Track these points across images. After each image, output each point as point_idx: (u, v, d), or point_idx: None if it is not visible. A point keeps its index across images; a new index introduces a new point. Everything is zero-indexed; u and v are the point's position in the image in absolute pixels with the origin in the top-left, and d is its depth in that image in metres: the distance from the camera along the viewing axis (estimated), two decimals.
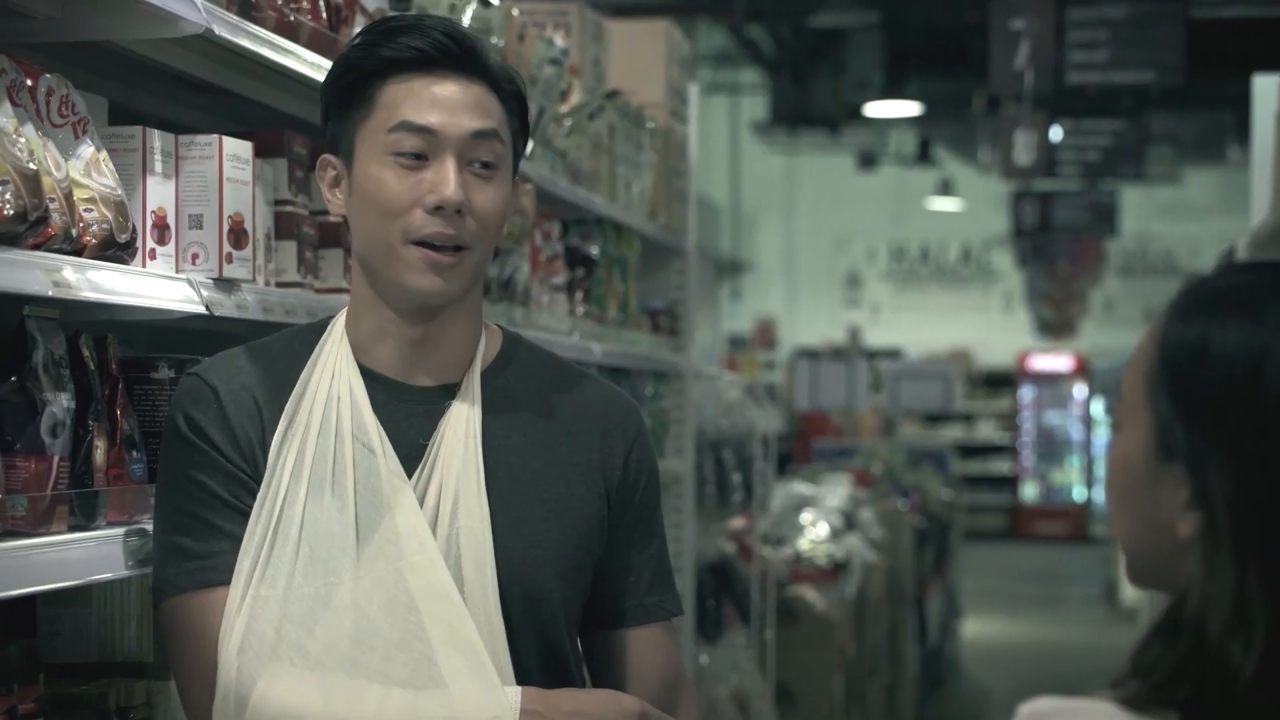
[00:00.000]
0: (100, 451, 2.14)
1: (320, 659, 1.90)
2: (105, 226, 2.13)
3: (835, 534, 7.42)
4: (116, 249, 2.15)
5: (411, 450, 1.98)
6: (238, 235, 2.39)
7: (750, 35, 12.93)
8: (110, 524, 2.12)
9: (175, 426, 2.02)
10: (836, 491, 8.26)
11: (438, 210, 1.94)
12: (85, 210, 2.11)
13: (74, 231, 2.05)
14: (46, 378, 2.03)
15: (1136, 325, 21.18)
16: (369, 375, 2.02)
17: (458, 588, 1.93)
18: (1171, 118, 13.33)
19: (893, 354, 18.46)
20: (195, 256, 2.36)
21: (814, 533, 7.31)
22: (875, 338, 20.15)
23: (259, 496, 1.97)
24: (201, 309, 2.28)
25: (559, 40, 3.82)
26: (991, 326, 21.77)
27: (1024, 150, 9.16)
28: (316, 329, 2.10)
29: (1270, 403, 1.28)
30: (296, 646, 1.91)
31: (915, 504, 9.84)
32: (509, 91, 2.03)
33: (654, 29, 4.93)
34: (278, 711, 1.89)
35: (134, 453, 2.22)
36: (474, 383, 2.03)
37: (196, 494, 1.98)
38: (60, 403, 2.04)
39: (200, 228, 2.35)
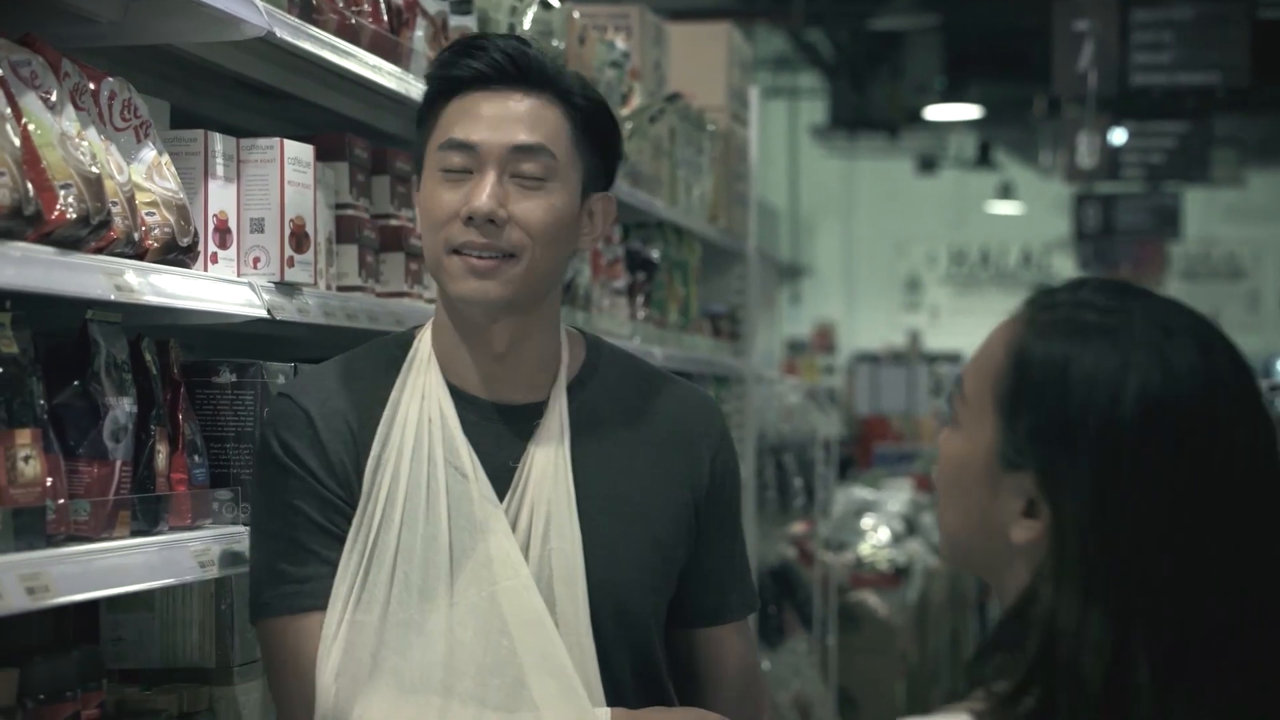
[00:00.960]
0: (162, 456, 2.14)
1: (415, 683, 1.93)
2: (167, 230, 2.12)
3: (896, 539, 7.37)
4: (178, 253, 2.15)
5: (501, 472, 2.00)
6: (299, 239, 2.38)
7: (809, 39, 12.88)
8: (173, 529, 2.12)
9: (269, 449, 2.03)
10: (897, 496, 8.21)
11: (470, 220, 1.97)
12: (147, 214, 2.10)
13: (136, 235, 2.05)
14: (109, 382, 2.02)
15: None
16: (457, 394, 2.03)
17: (550, 609, 1.96)
18: (1236, 119, 13.17)
19: (952, 358, 18.32)
20: (257, 260, 2.35)
21: (875, 538, 7.26)
22: (935, 341, 20.02)
23: (354, 522, 1.98)
24: (263, 313, 2.28)
25: (620, 43, 3.80)
26: None
27: (1087, 153, 9.06)
28: (402, 343, 2.09)
29: (1127, 430, 1.30)
30: (392, 671, 1.93)
31: None
32: (579, 105, 2.04)
33: (715, 32, 4.91)
34: None
35: (196, 457, 2.22)
36: (560, 400, 2.05)
37: (292, 519, 2.00)
38: (122, 407, 2.03)
39: (262, 231, 2.35)
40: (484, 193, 1.97)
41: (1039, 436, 1.33)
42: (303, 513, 1.99)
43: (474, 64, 2.01)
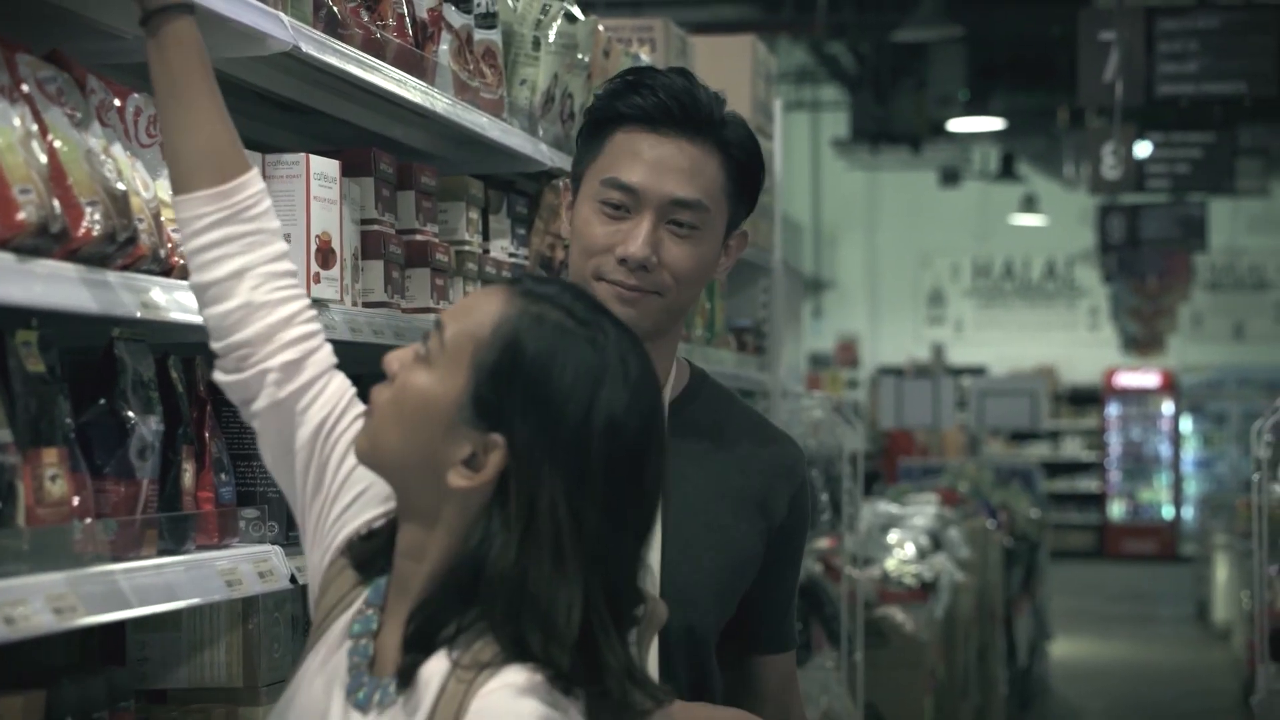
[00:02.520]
0: (189, 474, 2.13)
1: None
2: None
3: (923, 554, 7.33)
4: None
5: None
6: (325, 255, 2.36)
7: (831, 51, 12.87)
8: (199, 548, 2.11)
9: None
10: (923, 510, 8.16)
11: (623, 262, 2.06)
12: (173, 231, 2.08)
13: (162, 252, 2.03)
14: (135, 400, 2.01)
15: (1225, 341, 20.87)
16: None
17: None
18: (1262, 129, 13.10)
19: (977, 371, 18.28)
20: None
21: (901, 553, 7.22)
22: (959, 355, 19.98)
23: None
24: None
25: (644, 56, 3.78)
26: (1077, 343, 21.50)
27: (1112, 164, 9.01)
28: None
29: (596, 436, 1.59)
30: None
31: (1003, 523, 9.71)
32: (736, 157, 2.12)
33: (739, 44, 4.89)
34: None
35: (222, 475, 2.20)
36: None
37: None
38: (149, 425, 2.02)
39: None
40: (640, 240, 2.06)
41: (517, 414, 1.59)
42: None
43: (641, 102, 2.08)
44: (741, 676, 2.22)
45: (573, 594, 1.56)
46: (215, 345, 1.88)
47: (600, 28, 3.38)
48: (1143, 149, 9.34)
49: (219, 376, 1.88)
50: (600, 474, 1.59)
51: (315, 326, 1.89)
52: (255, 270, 1.87)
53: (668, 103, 2.08)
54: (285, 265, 1.90)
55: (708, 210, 2.09)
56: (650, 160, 2.07)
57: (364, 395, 2.68)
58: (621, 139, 2.09)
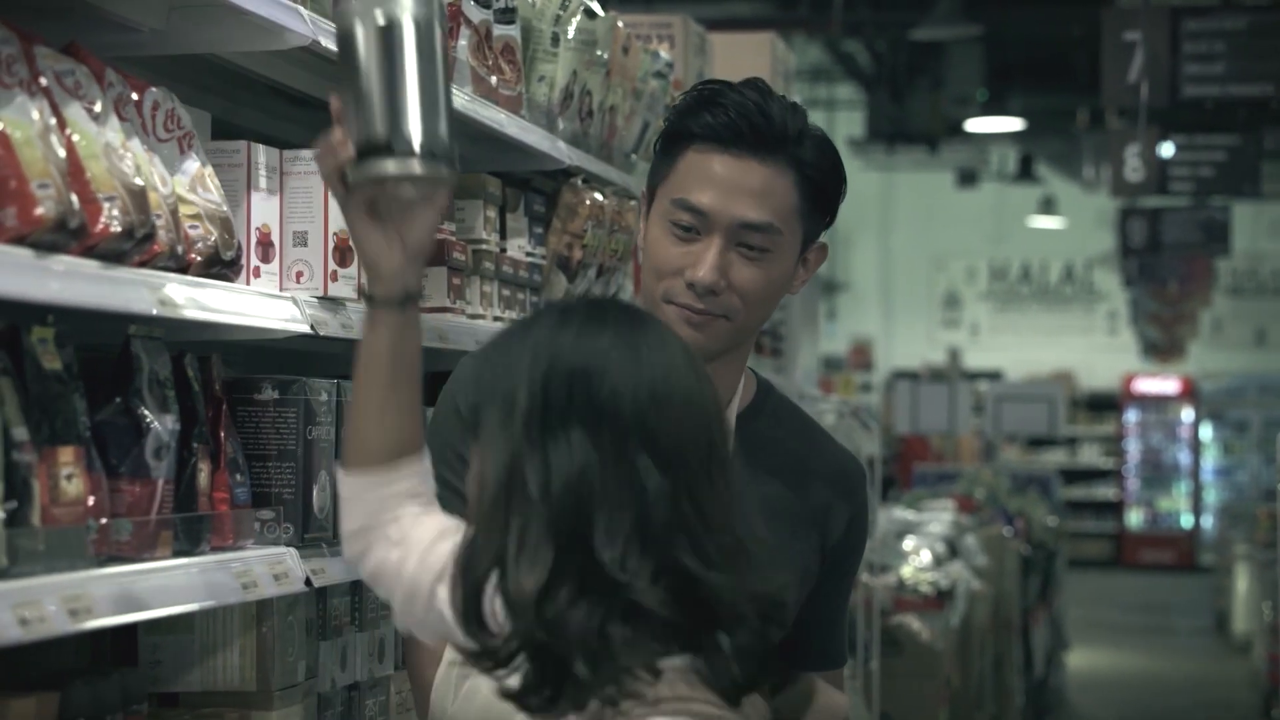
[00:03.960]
0: (204, 475, 2.10)
1: None
2: (210, 243, 2.09)
3: (939, 561, 7.26)
4: (221, 267, 2.12)
5: None
6: (343, 253, 2.34)
7: (847, 49, 12.83)
8: (214, 549, 2.09)
9: (454, 404, 2.08)
10: (939, 517, 8.10)
11: (691, 286, 2.05)
12: (190, 227, 2.07)
13: (179, 249, 2.02)
14: (151, 399, 1.99)
15: (1246, 347, 20.77)
16: None
17: None
18: None
19: (993, 376, 18.19)
20: (300, 274, 2.32)
21: (917, 560, 7.16)
22: (974, 359, 19.88)
23: None
24: (306, 328, 2.24)
25: (664, 53, 3.75)
26: (1095, 348, 21.41)
27: (1134, 166, 8.96)
28: None
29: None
30: None
31: (1020, 530, 9.64)
32: (810, 176, 2.08)
33: (758, 41, 4.87)
34: (494, 689, 1.92)
35: (238, 476, 2.18)
36: (729, 426, 2.10)
37: (464, 472, 2.00)
38: (165, 424, 2.00)
39: (305, 245, 2.31)
40: (708, 264, 2.04)
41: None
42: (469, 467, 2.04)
43: (712, 121, 2.05)
44: (791, 694, 2.19)
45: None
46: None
47: (619, 24, 3.35)
48: (1166, 151, 9.27)
49: (399, 625, 1.87)
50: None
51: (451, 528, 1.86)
52: (413, 551, 1.83)
53: (738, 122, 2.03)
54: (431, 526, 1.86)
55: (779, 232, 2.06)
56: (720, 181, 2.04)
57: None
58: (693, 158, 2.06)
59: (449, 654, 2.01)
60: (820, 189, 2.09)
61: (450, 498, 2.06)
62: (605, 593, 1.55)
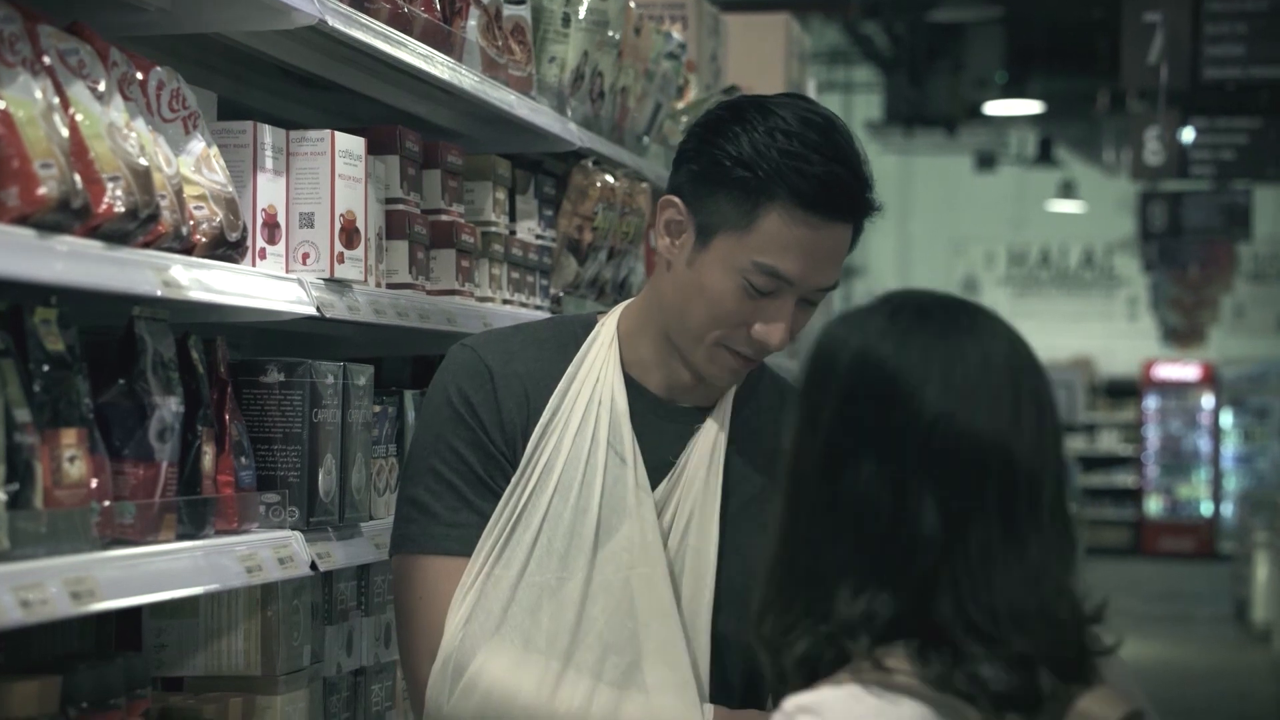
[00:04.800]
0: (209, 458, 2.09)
1: (539, 645, 2.01)
2: (216, 225, 2.08)
3: None
4: (227, 248, 2.11)
5: (659, 465, 2.07)
6: (349, 234, 2.33)
7: (865, 31, 12.76)
8: (219, 532, 2.08)
9: (446, 395, 2.08)
10: None
11: (760, 344, 2.03)
12: (195, 208, 2.06)
13: (184, 230, 2.00)
14: (155, 381, 1.98)
15: (1268, 333, 20.64)
16: (631, 385, 2.10)
17: (677, 600, 2.04)
18: None
19: None
20: (306, 256, 2.30)
21: None
22: None
23: (512, 481, 2.06)
24: (312, 310, 2.23)
25: (676, 34, 3.73)
26: (1115, 334, 21.31)
27: (1155, 150, 8.89)
28: (585, 324, 2.15)
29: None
30: (519, 629, 2.02)
31: None
32: (861, 226, 2.06)
33: (773, 22, 4.83)
34: (491, 685, 2.00)
35: (243, 459, 2.17)
36: (725, 410, 2.12)
37: (456, 465, 2.06)
38: (169, 407, 1.99)
39: (311, 226, 2.30)
40: (783, 330, 2.01)
41: None
42: (467, 462, 2.05)
43: (810, 191, 1.95)
44: None
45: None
46: None
47: (631, 4, 3.33)
48: (1187, 134, 9.20)
49: None
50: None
51: None
52: None
53: (838, 197, 1.98)
54: None
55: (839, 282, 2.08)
56: (809, 251, 1.98)
57: (384, 377, 2.66)
58: (780, 222, 1.96)
59: (443, 651, 2.01)
60: (861, 229, 2.07)
61: (441, 490, 2.05)
62: None
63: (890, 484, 1.45)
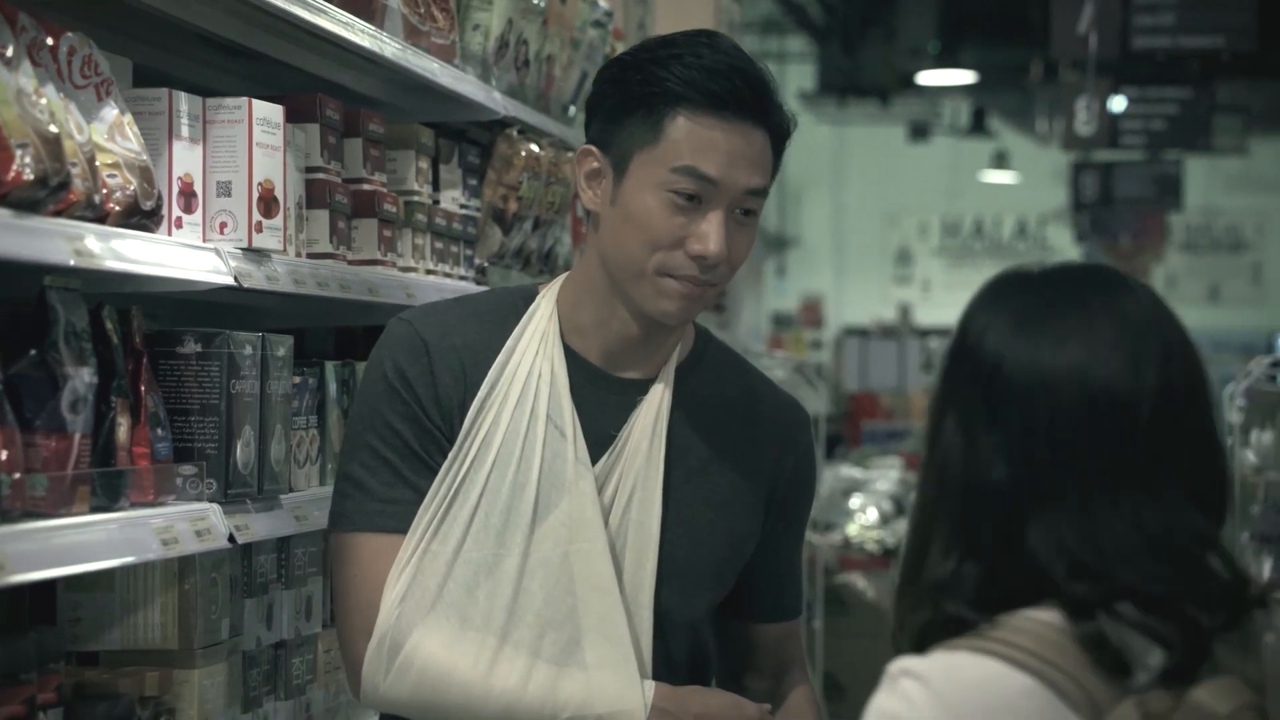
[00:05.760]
0: (123, 429, 2.07)
1: (475, 622, 2.00)
2: (129, 193, 2.06)
3: (885, 519, 7.26)
4: (141, 217, 2.08)
5: (600, 438, 2.05)
6: (268, 203, 2.30)
7: (798, 1, 12.75)
8: (134, 505, 2.06)
9: (382, 370, 2.05)
10: (887, 475, 8.11)
11: (699, 258, 1.99)
12: (109, 176, 2.04)
13: (97, 198, 1.98)
14: (68, 351, 1.96)
15: (1200, 303, 20.84)
16: (572, 356, 2.07)
17: (619, 576, 2.02)
18: (1240, 85, 13.02)
19: (945, 333, 18.20)
20: (223, 225, 2.28)
21: (863, 518, 7.15)
22: (926, 316, 19.90)
23: (449, 457, 2.03)
24: (230, 280, 2.20)
25: (603, 2, 3.71)
26: None
27: (1085, 120, 8.93)
28: (525, 295, 2.12)
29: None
30: (455, 606, 2.00)
31: None
32: (783, 138, 2.06)
33: None
34: (427, 662, 1.99)
35: (159, 430, 2.15)
36: (667, 380, 2.10)
37: (392, 441, 2.03)
38: (82, 378, 1.97)
39: (229, 195, 2.27)
40: (718, 238, 1.99)
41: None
42: (402, 437, 2.03)
43: (715, 88, 1.97)
44: (750, 647, 2.20)
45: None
46: None
47: None
48: (1117, 104, 9.25)
49: None
50: None
51: None
52: None
53: (743, 90, 1.98)
54: None
55: (768, 194, 2.05)
56: (727, 151, 1.98)
57: (306, 348, 2.63)
58: (688, 125, 1.97)
59: (378, 629, 2.00)
60: (780, 146, 2.06)
61: (377, 466, 2.03)
62: None
63: (962, 432, 1.43)
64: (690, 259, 1.99)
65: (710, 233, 1.98)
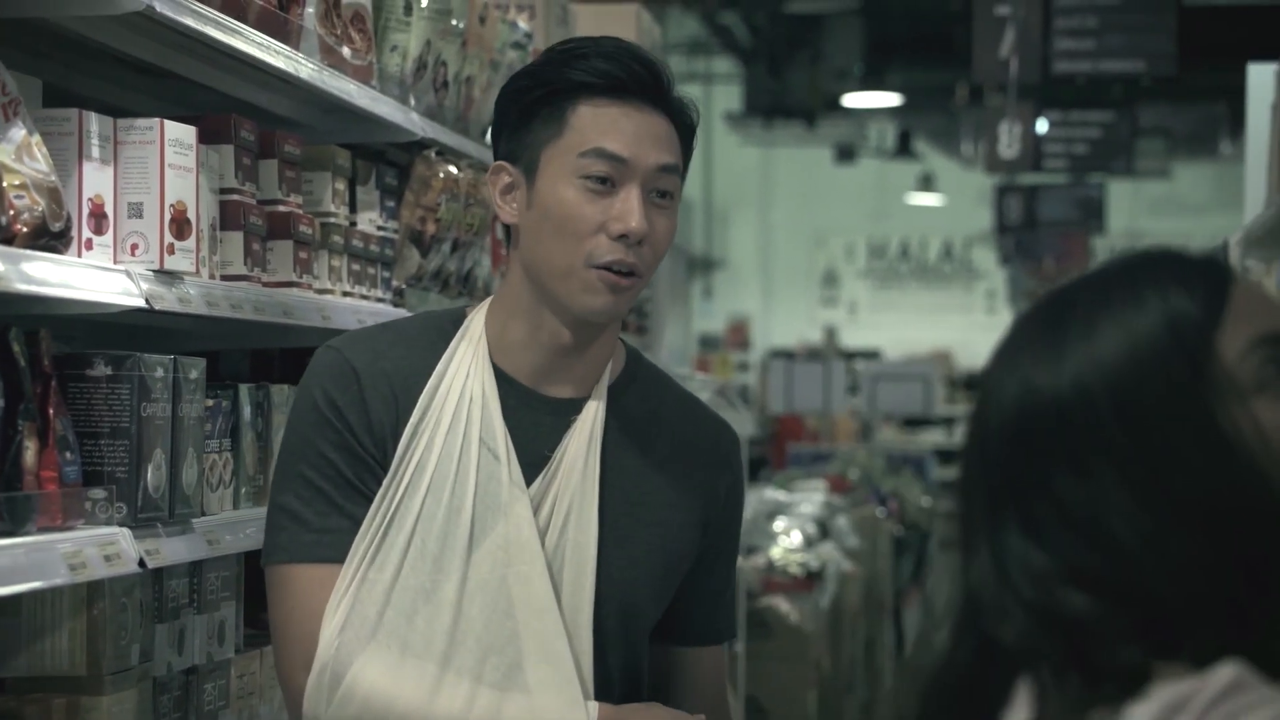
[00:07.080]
0: (31, 453, 2.04)
1: (416, 649, 1.98)
2: (38, 214, 2.03)
3: (809, 542, 7.24)
4: (50, 238, 2.06)
5: (535, 459, 2.04)
6: (180, 225, 2.28)
7: (724, 22, 12.79)
8: (41, 529, 2.03)
9: (312, 399, 2.03)
10: (811, 498, 8.10)
11: (621, 238, 1.98)
12: (16, 197, 2.01)
13: (3, 219, 1.97)
14: None
15: None
16: (502, 377, 2.05)
17: (557, 597, 2.01)
18: (1162, 110, 13.19)
19: (871, 355, 18.29)
20: (135, 247, 2.25)
21: (787, 541, 7.13)
22: (852, 338, 20.00)
23: (383, 484, 2.01)
24: (141, 302, 2.18)
25: (522, 23, 3.71)
26: (974, 326, 21.60)
27: (1008, 143, 9.02)
28: (453, 318, 2.10)
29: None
30: (395, 634, 1.98)
31: (894, 511, 9.67)
32: (688, 125, 2.07)
33: (623, 13, 4.82)
34: (369, 692, 1.96)
35: (67, 454, 2.12)
36: (600, 400, 2.09)
37: (325, 470, 2.01)
38: None
39: (140, 216, 2.25)
40: (637, 212, 1.97)
41: None
42: (335, 466, 2.01)
43: (609, 69, 1.99)
44: (679, 671, 2.19)
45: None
46: None
47: None
48: (1040, 127, 9.33)
49: None
50: None
51: None
52: None
53: (638, 70, 2.00)
54: None
55: (681, 177, 2.05)
56: (632, 131, 1.99)
57: (221, 370, 2.60)
58: (590, 112, 1.99)
59: (318, 660, 1.97)
60: (689, 140, 2.07)
61: (310, 496, 2.01)
62: None
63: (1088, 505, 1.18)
64: (613, 241, 1.98)
65: (628, 210, 1.97)
